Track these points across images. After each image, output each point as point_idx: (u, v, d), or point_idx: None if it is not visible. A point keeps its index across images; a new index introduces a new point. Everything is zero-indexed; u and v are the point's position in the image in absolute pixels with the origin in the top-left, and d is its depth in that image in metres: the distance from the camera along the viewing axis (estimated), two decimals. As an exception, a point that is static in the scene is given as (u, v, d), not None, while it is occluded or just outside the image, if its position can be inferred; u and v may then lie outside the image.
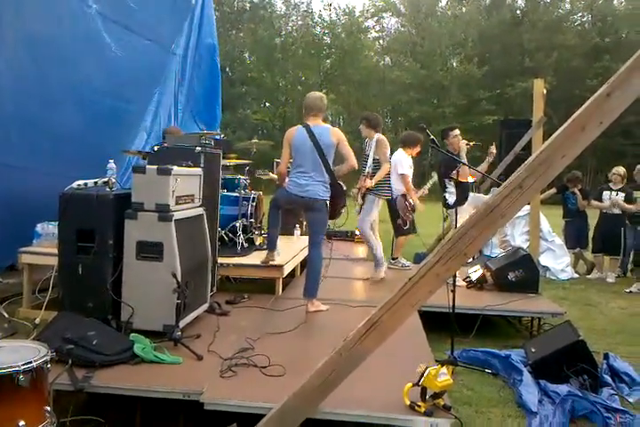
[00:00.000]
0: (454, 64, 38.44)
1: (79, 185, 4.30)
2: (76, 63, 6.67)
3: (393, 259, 7.53)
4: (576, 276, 8.86)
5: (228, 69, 34.58)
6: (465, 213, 5.44)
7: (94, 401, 3.29)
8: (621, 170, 8.95)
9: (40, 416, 2.23)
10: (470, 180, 6.69)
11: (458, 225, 4.10)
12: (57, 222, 4.25)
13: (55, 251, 4.20)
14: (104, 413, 3.19)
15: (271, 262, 5.39)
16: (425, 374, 2.96)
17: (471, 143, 6.50)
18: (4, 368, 2.13)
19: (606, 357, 4.43)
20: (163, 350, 3.59)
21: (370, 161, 6.43)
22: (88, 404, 3.30)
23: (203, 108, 10.11)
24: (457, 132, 6.75)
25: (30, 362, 2.21)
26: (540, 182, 2.68)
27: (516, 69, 35.61)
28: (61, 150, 6.35)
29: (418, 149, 7.44)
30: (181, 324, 3.88)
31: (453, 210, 5.69)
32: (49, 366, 2.35)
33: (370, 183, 6.33)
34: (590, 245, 9.10)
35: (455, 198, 6.37)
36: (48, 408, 2.28)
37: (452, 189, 6.48)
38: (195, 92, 9.83)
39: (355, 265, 7.43)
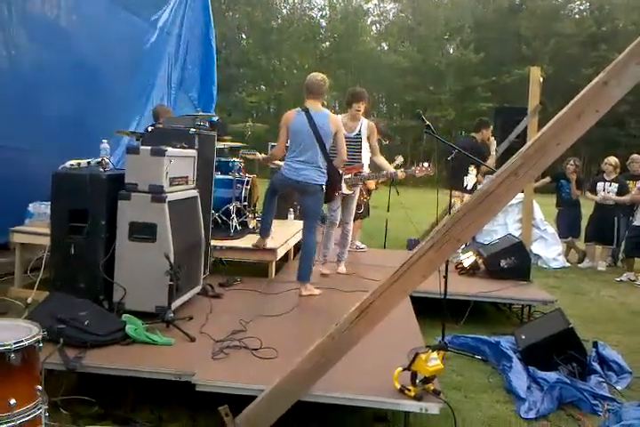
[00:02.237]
0: (451, 50, 38.25)
1: (72, 165, 4.26)
2: (69, 43, 6.59)
3: None
4: (567, 264, 8.91)
5: (223, 51, 34.27)
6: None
7: (86, 381, 3.29)
8: (613, 160, 8.96)
9: (31, 395, 2.22)
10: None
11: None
12: (49, 202, 4.22)
13: (47, 231, 4.18)
14: (95, 393, 3.19)
15: (263, 247, 5.40)
16: (415, 359, 2.98)
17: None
18: (-4, 346, 2.13)
19: (595, 345, 4.47)
20: (155, 332, 3.59)
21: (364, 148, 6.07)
22: (79, 384, 3.30)
23: (198, 89, 10.02)
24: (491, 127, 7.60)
25: (22, 341, 2.20)
26: (535, 170, 2.68)
27: (513, 57, 35.46)
28: (54, 130, 6.28)
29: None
30: (174, 305, 3.88)
31: (469, 195, 5.77)
32: (40, 345, 2.34)
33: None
34: (583, 234, 9.14)
35: (475, 182, 6.49)
36: (39, 387, 2.28)
37: (473, 174, 6.55)
38: (190, 73, 9.72)
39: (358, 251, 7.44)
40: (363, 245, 7.66)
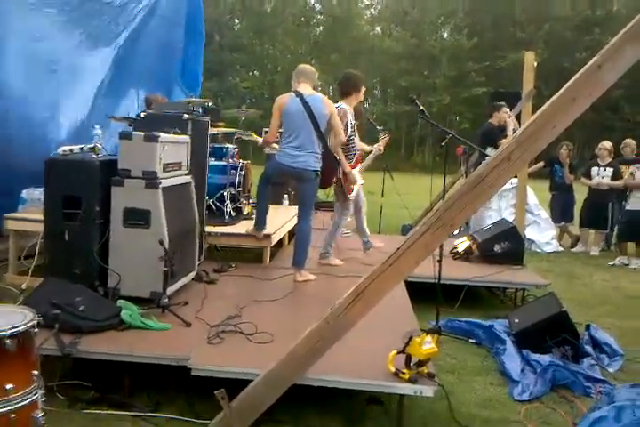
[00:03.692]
0: (445, 35, 38.09)
1: (65, 151, 4.25)
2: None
3: None
4: (560, 249, 8.95)
5: (216, 36, 34.02)
6: None
7: (82, 366, 3.30)
8: (607, 144, 8.98)
9: (28, 380, 2.23)
10: None
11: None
12: (43, 188, 4.20)
13: (41, 217, 4.17)
14: (92, 378, 3.21)
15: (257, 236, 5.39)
16: (410, 342, 3.00)
17: None
18: (-9, 332, 2.13)
19: (588, 328, 4.51)
20: (150, 317, 3.60)
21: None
22: (75, 369, 3.31)
23: (185, 73, 9.91)
24: (507, 109, 7.92)
25: (17, 326, 2.21)
26: (529, 154, 2.68)
27: (507, 41, 35.35)
28: (42, 116, 6.24)
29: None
30: (169, 291, 3.88)
31: None
32: (36, 330, 2.34)
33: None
34: (577, 218, 9.18)
35: None
36: (35, 372, 2.29)
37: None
38: (178, 58, 9.59)
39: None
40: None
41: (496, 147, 7.25)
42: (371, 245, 6.15)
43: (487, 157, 6.48)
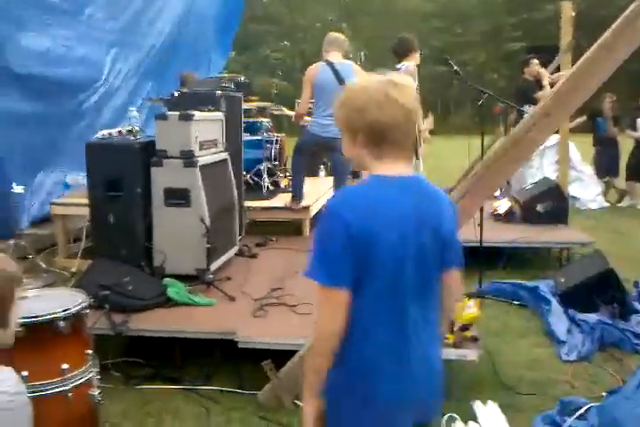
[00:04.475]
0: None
1: (104, 135, 4.33)
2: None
3: None
4: (606, 205, 8.74)
5: (245, 8, 33.70)
6: None
7: (134, 344, 3.43)
8: (654, 94, 8.66)
9: (82, 360, 2.33)
10: None
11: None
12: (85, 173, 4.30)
13: (86, 201, 4.27)
14: (144, 355, 3.33)
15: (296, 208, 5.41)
16: (452, 308, 3.00)
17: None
18: (45, 315, 2.22)
19: (637, 284, 4.44)
20: (196, 293, 3.69)
21: None
22: (128, 347, 3.44)
23: (215, 46, 9.90)
24: (536, 61, 7.77)
25: (69, 308, 2.30)
26: (568, 109, 2.62)
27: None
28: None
29: None
30: (212, 267, 3.97)
31: None
32: (87, 311, 2.44)
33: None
34: (624, 172, 8.92)
35: None
36: (89, 352, 2.38)
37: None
38: (207, 30, 9.57)
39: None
40: None
41: (534, 103, 7.07)
42: None
43: (525, 115, 6.35)
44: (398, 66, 5.37)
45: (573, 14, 7.44)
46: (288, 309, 3.50)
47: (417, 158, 5.44)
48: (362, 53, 8.94)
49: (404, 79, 1.49)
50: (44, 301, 2.40)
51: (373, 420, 1.48)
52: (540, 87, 7.46)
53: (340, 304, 1.42)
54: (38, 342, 2.22)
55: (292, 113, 6.80)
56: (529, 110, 6.54)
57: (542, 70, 7.63)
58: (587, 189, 8.67)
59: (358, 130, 1.47)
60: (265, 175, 6.15)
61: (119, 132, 4.39)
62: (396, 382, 1.46)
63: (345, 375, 1.47)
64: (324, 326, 1.45)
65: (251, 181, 6.20)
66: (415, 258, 1.44)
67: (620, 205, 8.83)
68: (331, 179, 6.08)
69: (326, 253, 1.47)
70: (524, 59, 8.17)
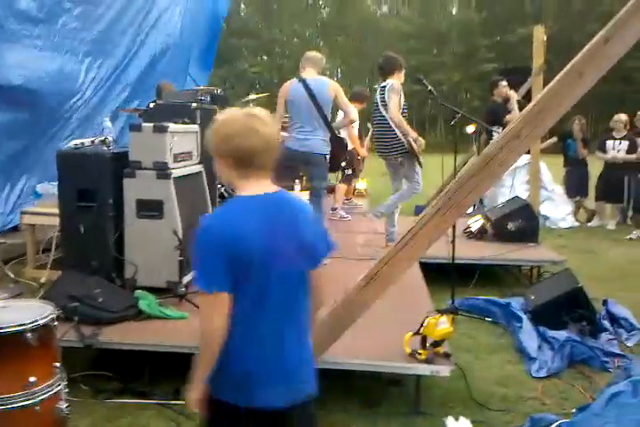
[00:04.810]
0: (453, 11, 37.59)
1: (76, 144, 4.28)
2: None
3: (332, 209, 7.44)
4: (576, 224, 8.89)
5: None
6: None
7: (103, 357, 3.37)
8: (623, 117, 8.86)
9: (50, 372, 2.28)
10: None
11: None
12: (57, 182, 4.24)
13: (57, 211, 4.21)
14: (113, 368, 3.27)
15: None
16: (425, 324, 3.02)
17: None
18: (13, 327, 2.18)
19: (605, 303, 4.50)
20: (168, 306, 3.65)
21: None
22: (97, 360, 3.38)
23: (196, 61, 9.91)
24: (504, 83, 7.89)
25: (37, 320, 2.25)
26: (538, 131, 2.66)
27: (516, 15, 34.77)
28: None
29: (364, 105, 7.55)
30: (185, 280, 3.93)
31: None
32: (56, 323, 2.40)
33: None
34: (593, 193, 9.09)
35: None
36: (57, 365, 2.34)
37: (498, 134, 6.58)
38: (189, 44, 9.58)
39: (354, 219, 7.45)
40: (347, 215, 7.52)
41: (502, 125, 7.20)
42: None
43: (494, 136, 6.46)
44: (383, 84, 5.47)
45: (545, 38, 7.62)
46: (261, 323, 3.47)
47: (420, 166, 5.55)
48: (338, 70, 9.05)
49: (265, 112, 1.75)
50: (12, 312, 2.35)
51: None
52: (508, 110, 7.57)
53: (220, 305, 1.63)
54: (5, 354, 2.18)
55: None
56: (498, 131, 6.65)
57: (511, 92, 7.76)
58: (557, 209, 8.81)
59: (227, 156, 1.71)
60: (240, 188, 6.11)
61: (92, 141, 4.35)
62: (271, 379, 1.72)
63: (226, 368, 1.69)
64: (207, 324, 1.65)
65: (225, 194, 6.16)
66: (281, 262, 1.68)
67: (589, 224, 8.98)
68: (306, 193, 6.09)
69: (203, 264, 1.66)
70: (492, 80, 8.34)
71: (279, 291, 1.69)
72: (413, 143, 5.39)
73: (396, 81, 5.47)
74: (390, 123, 5.39)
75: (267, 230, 1.66)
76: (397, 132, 5.37)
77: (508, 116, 7.35)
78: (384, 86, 5.49)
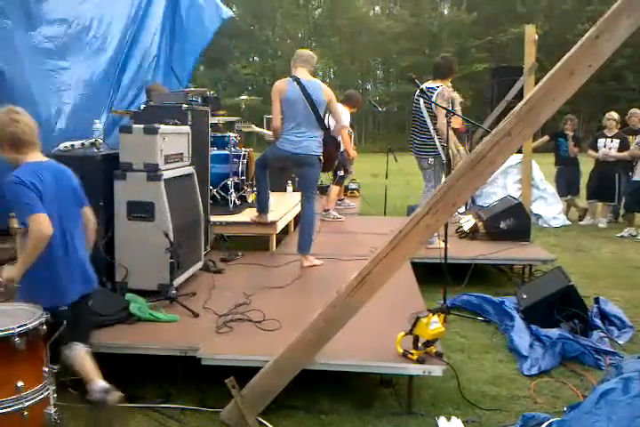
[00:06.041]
0: (445, 11, 37.69)
1: (66, 147, 4.25)
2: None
3: (325, 211, 7.42)
4: (568, 223, 8.91)
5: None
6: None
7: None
8: (615, 115, 8.89)
9: (38, 377, 2.27)
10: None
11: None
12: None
13: (46, 214, 4.17)
14: (103, 372, 3.24)
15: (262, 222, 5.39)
16: (417, 323, 3.02)
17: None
18: (0, 331, 2.16)
19: (597, 301, 4.51)
20: (159, 309, 3.63)
21: None
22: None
23: (182, 61, 9.81)
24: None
25: (25, 324, 2.24)
26: (530, 129, 2.66)
27: (508, 15, 34.92)
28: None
29: (355, 109, 7.62)
30: (176, 282, 3.92)
31: None
32: (44, 327, 2.38)
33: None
34: (584, 191, 9.12)
35: None
36: (46, 369, 2.32)
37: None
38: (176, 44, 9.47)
39: (347, 219, 7.46)
40: (340, 215, 7.52)
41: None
42: None
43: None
44: (432, 85, 5.47)
45: (536, 37, 7.64)
46: (253, 325, 3.46)
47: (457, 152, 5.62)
48: (330, 71, 9.06)
49: (21, 109, 2.71)
50: (0, 316, 2.33)
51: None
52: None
53: (43, 221, 2.53)
54: (-7, 358, 2.15)
55: (260, 130, 6.77)
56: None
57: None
58: (549, 208, 8.83)
59: (4, 142, 2.65)
60: (232, 190, 6.12)
61: (82, 144, 4.32)
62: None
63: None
64: (38, 232, 2.51)
65: (217, 196, 6.16)
66: (63, 200, 2.74)
67: (581, 223, 9.01)
68: (298, 194, 6.08)
69: (23, 198, 2.53)
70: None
71: (66, 219, 2.74)
72: (452, 155, 5.42)
73: (446, 86, 5.48)
74: (428, 125, 5.45)
75: (52, 181, 2.68)
76: (434, 136, 5.43)
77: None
78: (433, 88, 5.46)
